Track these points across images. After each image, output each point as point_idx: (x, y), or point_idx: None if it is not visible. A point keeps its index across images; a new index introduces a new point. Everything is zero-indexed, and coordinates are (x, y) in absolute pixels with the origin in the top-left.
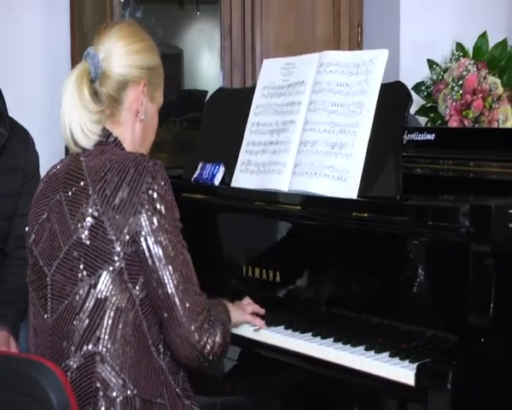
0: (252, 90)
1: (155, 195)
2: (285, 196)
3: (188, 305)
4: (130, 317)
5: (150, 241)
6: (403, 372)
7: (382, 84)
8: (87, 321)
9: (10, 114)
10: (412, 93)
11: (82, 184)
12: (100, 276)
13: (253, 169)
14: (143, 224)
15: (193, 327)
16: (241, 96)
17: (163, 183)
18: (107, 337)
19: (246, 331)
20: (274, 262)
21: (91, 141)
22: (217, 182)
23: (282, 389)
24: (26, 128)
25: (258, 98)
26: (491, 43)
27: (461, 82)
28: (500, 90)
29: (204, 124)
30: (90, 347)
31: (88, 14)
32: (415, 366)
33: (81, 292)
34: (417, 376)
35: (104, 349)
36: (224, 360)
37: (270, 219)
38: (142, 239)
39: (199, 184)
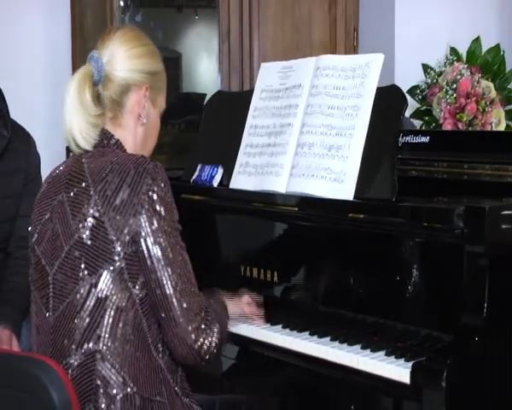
0: (250, 93)
1: (155, 196)
2: (282, 197)
3: (185, 305)
4: (130, 316)
5: (149, 242)
6: (398, 371)
7: (378, 88)
8: (88, 320)
9: (12, 116)
10: (407, 96)
11: (83, 185)
12: (100, 275)
13: (251, 171)
14: (143, 225)
15: (190, 328)
16: (239, 99)
17: (163, 185)
18: (107, 336)
19: (244, 330)
20: (271, 262)
21: (89, 143)
22: (215, 183)
23: (279, 387)
24: (28, 130)
25: (256, 101)
26: (485, 48)
27: (455, 86)
28: (493, 93)
29: (203, 126)
30: (90, 345)
31: (88, 18)
32: (410, 364)
33: (82, 291)
34: (412, 374)
35: (104, 347)
36: (222, 359)
37: (267, 220)
38: (141, 240)
39: (198, 186)
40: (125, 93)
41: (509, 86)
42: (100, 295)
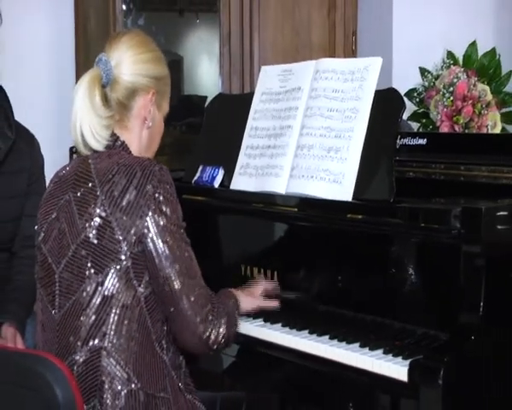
0: (250, 95)
1: (161, 198)
2: (282, 198)
3: (193, 299)
4: (135, 313)
5: (157, 241)
6: (396, 368)
7: (376, 91)
8: (93, 317)
9: (16, 117)
10: (405, 99)
11: (90, 185)
12: (107, 274)
13: (251, 172)
14: (150, 226)
15: (198, 319)
16: (239, 101)
17: (168, 186)
18: (112, 333)
19: (244, 329)
20: (271, 262)
21: (101, 144)
22: (216, 184)
23: (279, 384)
24: (31, 131)
25: (256, 104)
26: (481, 52)
27: (451, 89)
28: (489, 96)
29: (204, 128)
30: (96, 342)
31: (92, 21)
32: (407, 362)
33: (88, 289)
34: (410, 372)
35: (110, 344)
36: (223, 357)
37: (267, 221)
38: (148, 240)
39: (199, 187)
40: (132, 97)
41: (504, 89)
42: (106, 293)
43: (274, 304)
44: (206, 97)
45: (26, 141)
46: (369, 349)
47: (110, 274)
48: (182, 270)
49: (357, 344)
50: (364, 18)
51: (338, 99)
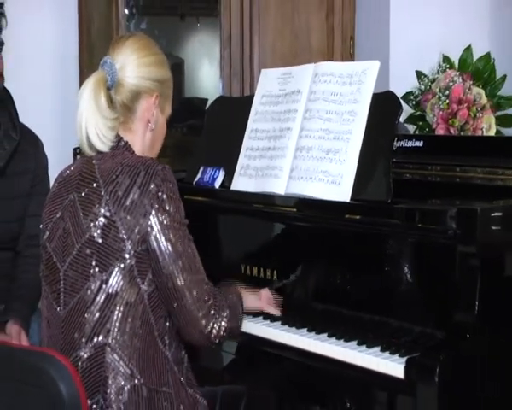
0: (250, 98)
1: (164, 196)
2: (282, 198)
3: (195, 294)
4: (139, 311)
5: (160, 239)
6: (393, 366)
7: (374, 94)
8: (98, 314)
9: (20, 119)
10: (401, 102)
11: (94, 185)
12: (111, 272)
13: (251, 173)
14: (154, 224)
15: (200, 314)
16: (239, 104)
17: (171, 185)
18: (116, 330)
19: (244, 327)
20: (271, 261)
21: (106, 146)
22: (217, 185)
23: (278, 381)
24: (35, 132)
25: (256, 106)
26: (476, 56)
27: (447, 92)
28: (484, 100)
29: (205, 130)
30: (100, 338)
31: (95, 23)
32: (404, 360)
33: (93, 287)
34: (406, 369)
35: (113, 341)
36: (223, 354)
37: (267, 221)
38: (152, 238)
39: (200, 187)
40: (136, 99)
41: (499, 93)
42: (110, 291)
43: (276, 311)
44: (206, 100)
45: (30, 142)
46: (367, 347)
47: (114, 272)
48: (185, 266)
49: (355, 342)
50: (362, 22)
51: (336, 102)
